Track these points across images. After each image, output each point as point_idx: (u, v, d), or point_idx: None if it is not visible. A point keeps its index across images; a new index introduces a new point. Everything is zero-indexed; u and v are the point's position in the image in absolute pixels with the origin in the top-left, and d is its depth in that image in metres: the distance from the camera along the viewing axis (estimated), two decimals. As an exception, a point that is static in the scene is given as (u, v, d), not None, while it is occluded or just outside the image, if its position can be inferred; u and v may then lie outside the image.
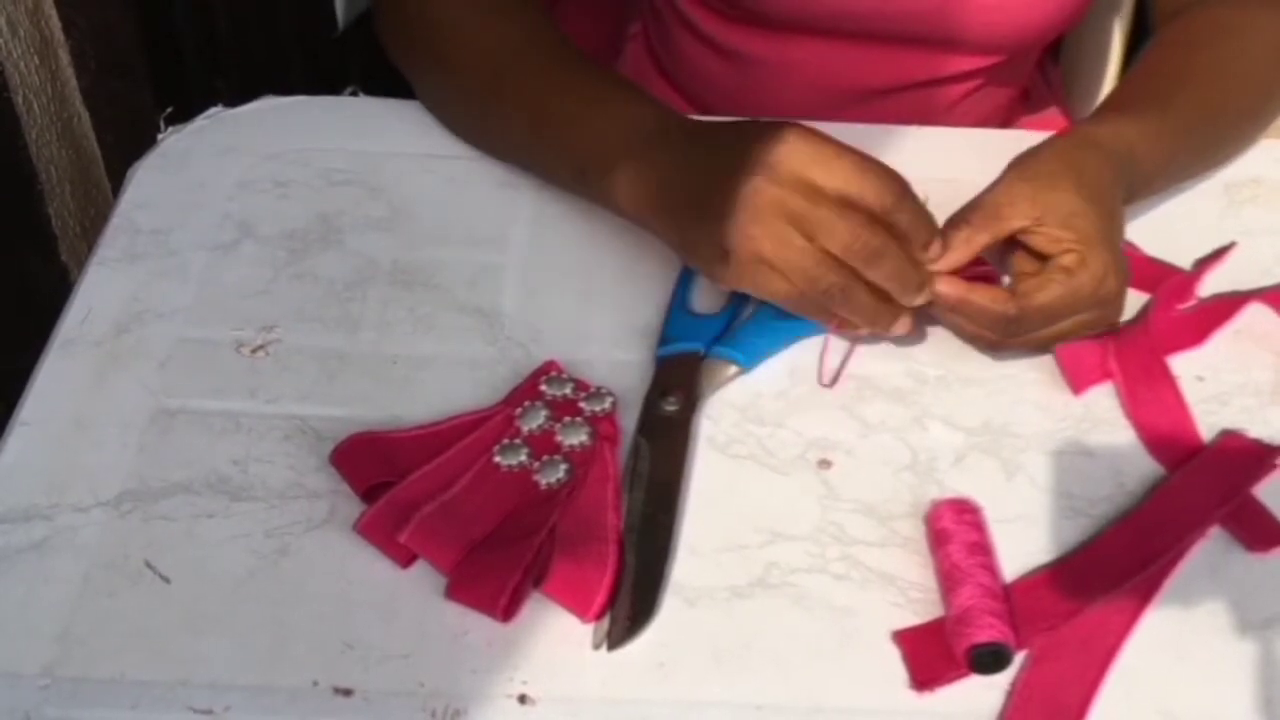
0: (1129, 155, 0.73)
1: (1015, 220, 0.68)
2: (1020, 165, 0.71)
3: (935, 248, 0.68)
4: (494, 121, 0.82)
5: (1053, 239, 0.68)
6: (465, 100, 0.83)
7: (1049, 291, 0.68)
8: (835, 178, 0.65)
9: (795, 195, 0.64)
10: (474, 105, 0.83)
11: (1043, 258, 0.69)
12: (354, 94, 0.92)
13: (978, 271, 0.70)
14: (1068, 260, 0.68)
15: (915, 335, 0.72)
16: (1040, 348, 0.71)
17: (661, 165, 0.71)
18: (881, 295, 0.67)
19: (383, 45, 0.88)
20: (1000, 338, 0.69)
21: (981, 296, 0.68)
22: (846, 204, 0.65)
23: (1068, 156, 0.71)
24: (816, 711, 0.58)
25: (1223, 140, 0.84)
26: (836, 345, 0.72)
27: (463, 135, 0.84)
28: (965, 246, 0.68)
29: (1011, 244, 0.70)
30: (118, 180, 0.84)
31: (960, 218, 0.69)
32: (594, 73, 0.79)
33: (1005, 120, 1.03)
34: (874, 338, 0.72)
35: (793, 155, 0.65)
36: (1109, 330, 0.72)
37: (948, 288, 0.68)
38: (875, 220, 0.65)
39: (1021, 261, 0.70)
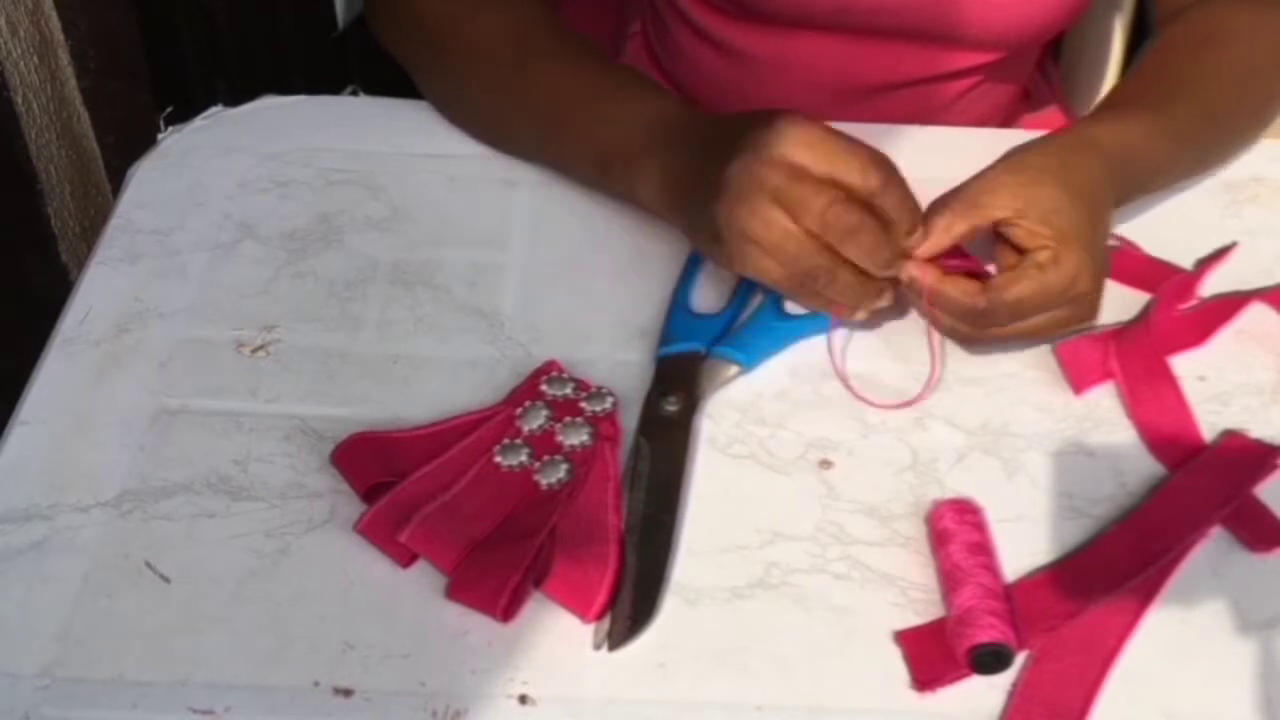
0: (1126, 157, 0.73)
1: (995, 210, 0.69)
2: (1010, 157, 0.71)
3: (918, 235, 0.69)
4: (505, 115, 0.82)
5: (1031, 233, 0.68)
6: (471, 93, 0.83)
7: (1019, 287, 0.68)
8: (820, 161, 0.66)
9: (776, 173, 0.65)
10: (482, 98, 0.82)
11: (1024, 252, 0.69)
12: (354, 94, 0.92)
13: (963, 266, 0.70)
14: (1042, 256, 0.68)
15: (896, 313, 0.73)
16: (1015, 342, 0.71)
17: (683, 158, 0.72)
18: (863, 275, 0.68)
19: (377, 38, 0.87)
20: (972, 330, 0.70)
21: (952, 288, 0.69)
22: (829, 184, 0.65)
23: (1061, 154, 0.71)
24: (817, 712, 0.58)
25: (1223, 142, 0.84)
26: (838, 344, 0.73)
27: (468, 129, 0.84)
28: (944, 233, 0.69)
29: (999, 237, 0.70)
30: (118, 180, 0.84)
31: (942, 204, 0.70)
32: (607, 65, 0.79)
33: (1006, 119, 1.03)
34: (868, 325, 0.73)
35: (780, 138, 0.66)
36: (1087, 328, 0.72)
37: (921, 273, 0.69)
38: (856, 201, 0.66)
39: (1004, 255, 0.70)
